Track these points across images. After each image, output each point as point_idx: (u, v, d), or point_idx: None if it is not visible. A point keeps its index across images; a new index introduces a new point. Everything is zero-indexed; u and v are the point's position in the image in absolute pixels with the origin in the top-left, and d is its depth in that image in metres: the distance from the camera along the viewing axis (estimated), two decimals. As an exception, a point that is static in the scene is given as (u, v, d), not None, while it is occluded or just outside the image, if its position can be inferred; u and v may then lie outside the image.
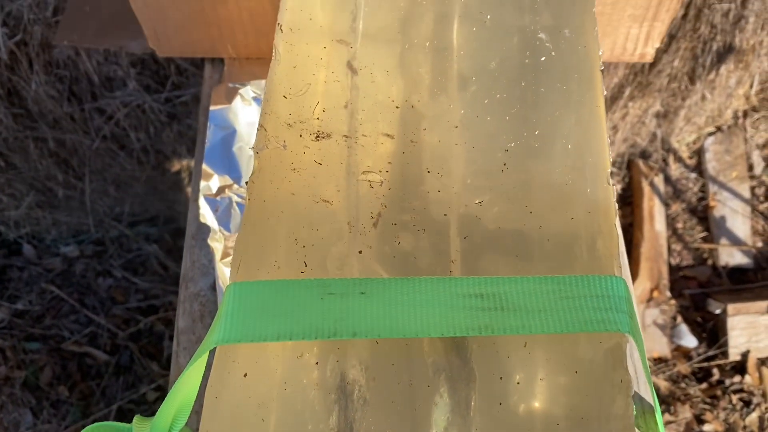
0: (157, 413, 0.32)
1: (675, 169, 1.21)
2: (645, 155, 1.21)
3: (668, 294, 1.14)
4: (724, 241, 1.16)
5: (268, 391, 0.25)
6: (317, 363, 0.25)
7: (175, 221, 1.11)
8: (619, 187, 1.21)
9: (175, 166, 1.00)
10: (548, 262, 0.27)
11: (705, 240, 1.17)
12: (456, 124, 0.30)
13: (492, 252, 0.27)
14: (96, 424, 0.35)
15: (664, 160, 1.21)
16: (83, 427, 1.01)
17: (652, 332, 1.11)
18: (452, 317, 0.25)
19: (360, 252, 0.27)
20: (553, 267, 0.27)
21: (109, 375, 1.04)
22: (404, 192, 0.29)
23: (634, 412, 0.38)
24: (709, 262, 1.17)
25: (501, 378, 0.25)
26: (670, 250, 1.17)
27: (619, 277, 0.26)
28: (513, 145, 0.29)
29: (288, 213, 0.27)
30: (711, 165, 1.19)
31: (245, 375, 0.24)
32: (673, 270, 1.16)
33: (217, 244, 0.41)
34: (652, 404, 0.38)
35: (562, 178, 0.28)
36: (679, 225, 1.19)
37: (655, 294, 1.13)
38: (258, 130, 0.28)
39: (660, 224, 1.17)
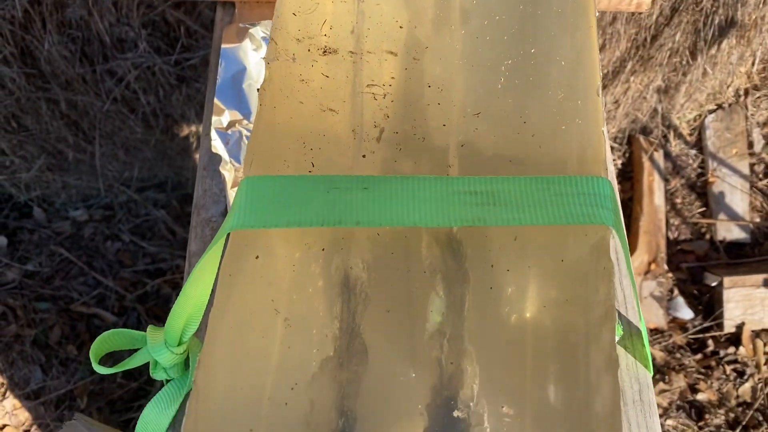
0: (168, 317, 0.34)
1: (675, 146, 1.22)
2: (646, 131, 1.23)
3: (666, 267, 1.16)
4: (722, 216, 1.17)
5: (278, 273, 0.27)
6: (323, 250, 0.27)
7: (183, 187, 1.13)
8: (619, 162, 1.23)
9: (184, 130, 1.02)
10: (540, 167, 0.29)
11: (703, 215, 1.19)
12: (457, 43, 0.32)
13: (487, 158, 0.29)
14: (113, 330, 0.37)
15: (665, 137, 1.23)
16: (92, 383, 1.03)
17: (648, 304, 1.13)
18: (448, 211, 0.27)
19: (363, 156, 0.29)
20: (545, 171, 0.29)
21: (116, 335, 1.06)
22: (406, 104, 0.30)
23: (621, 332, 0.40)
24: (707, 236, 1.18)
25: (492, 266, 0.27)
26: (668, 225, 1.19)
27: (605, 179, 0.28)
28: (510, 62, 0.31)
29: (296, 119, 0.29)
30: (711, 142, 1.21)
31: (257, 257, 0.26)
32: (671, 244, 1.18)
33: (227, 173, 0.43)
34: (639, 326, 0.40)
35: (555, 92, 0.30)
36: (678, 200, 1.20)
37: (653, 267, 1.15)
38: (269, 42, 0.30)
39: (659, 199, 1.18)
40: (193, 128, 1.01)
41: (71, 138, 0.99)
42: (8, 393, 1.01)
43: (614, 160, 1.23)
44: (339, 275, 0.29)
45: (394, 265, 0.29)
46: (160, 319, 1.07)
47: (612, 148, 1.23)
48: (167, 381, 0.39)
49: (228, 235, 0.28)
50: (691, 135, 1.23)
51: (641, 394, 0.38)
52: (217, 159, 0.44)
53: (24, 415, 1.00)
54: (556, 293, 0.27)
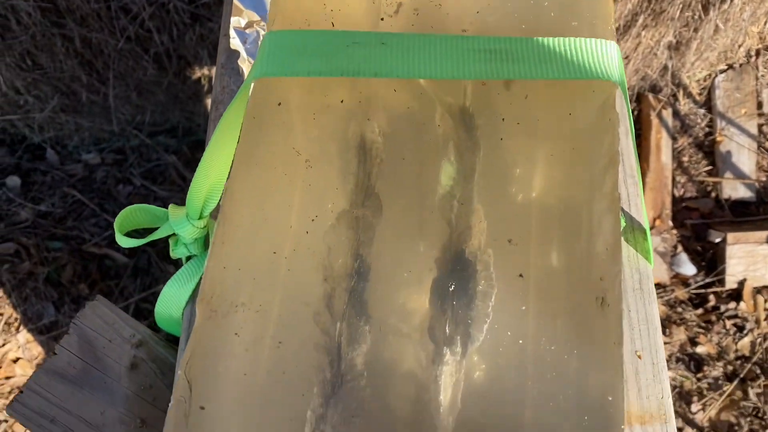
0: (189, 190, 0.35)
1: (684, 105, 1.23)
2: (655, 89, 1.23)
3: (670, 223, 1.17)
4: (728, 175, 1.18)
5: (299, 121, 0.28)
6: (342, 102, 0.29)
7: (194, 133, 1.15)
8: (628, 119, 1.23)
9: (196, 73, 1.02)
10: (552, 33, 0.30)
11: (709, 174, 1.20)
12: None
13: (502, 24, 0.30)
14: (136, 205, 0.39)
15: (674, 95, 1.23)
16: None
17: (652, 259, 1.14)
18: (463, 65, 0.28)
19: (382, 19, 0.30)
20: (557, 36, 0.30)
21: (127, 276, 1.09)
22: (423, -25, 0.31)
23: (624, 224, 0.41)
24: (713, 194, 1.19)
25: (503, 119, 0.28)
26: (674, 182, 1.20)
27: (613, 42, 0.29)
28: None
29: (318, -17, 0.30)
30: (720, 101, 1.21)
31: (279, 104, 0.28)
32: (676, 201, 1.19)
33: (245, 68, 0.44)
34: (642, 223, 0.42)
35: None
36: (685, 158, 1.21)
37: (658, 223, 1.16)
38: None
39: (666, 156, 1.19)
40: (206, 71, 1.02)
41: (85, 77, 1.00)
42: (21, 327, 1.03)
43: None
44: (356, 139, 0.30)
45: (408, 133, 0.30)
46: (170, 260, 1.09)
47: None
48: (186, 260, 0.41)
49: (248, 98, 0.29)
50: (700, 94, 1.23)
51: (641, 283, 0.40)
52: (235, 56, 0.45)
53: (37, 349, 1.03)
54: (563, 144, 0.28)
